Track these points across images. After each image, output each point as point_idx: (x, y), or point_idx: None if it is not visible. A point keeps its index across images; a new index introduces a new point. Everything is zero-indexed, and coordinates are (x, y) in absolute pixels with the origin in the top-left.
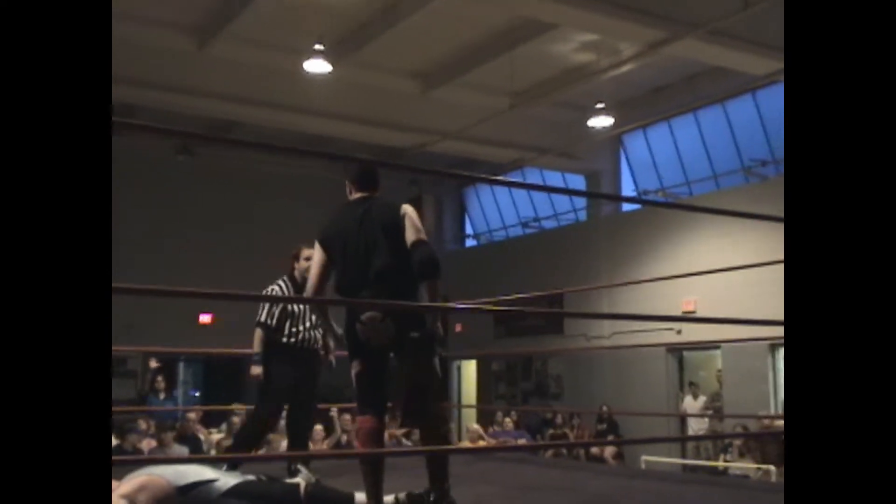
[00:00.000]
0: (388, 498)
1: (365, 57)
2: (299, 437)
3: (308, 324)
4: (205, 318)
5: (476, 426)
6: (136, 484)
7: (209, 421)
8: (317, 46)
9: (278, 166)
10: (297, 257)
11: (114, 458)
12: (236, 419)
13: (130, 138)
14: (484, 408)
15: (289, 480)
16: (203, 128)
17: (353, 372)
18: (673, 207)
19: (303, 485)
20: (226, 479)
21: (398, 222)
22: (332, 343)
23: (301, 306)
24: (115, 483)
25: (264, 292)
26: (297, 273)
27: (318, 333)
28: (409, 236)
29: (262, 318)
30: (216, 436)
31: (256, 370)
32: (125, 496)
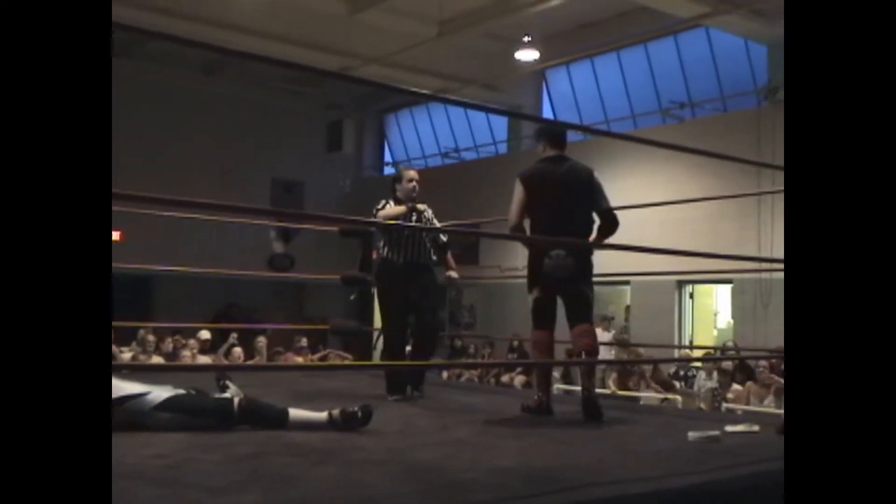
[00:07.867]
0: (322, 414)
1: None
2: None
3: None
4: (113, 235)
5: None
6: None
7: (118, 339)
8: None
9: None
10: (399, 180)
11: None
12: (151, 337)
13: None
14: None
15: (220, 395)
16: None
17: (533, 297)
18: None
19: (236, 399)
20: (157, 393)
21: (592, 185)
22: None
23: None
24: None
25: (376, 209)
26: (399, 193)
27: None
28: (602, 203)
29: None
30: (127, 354)
31: None
32: None
